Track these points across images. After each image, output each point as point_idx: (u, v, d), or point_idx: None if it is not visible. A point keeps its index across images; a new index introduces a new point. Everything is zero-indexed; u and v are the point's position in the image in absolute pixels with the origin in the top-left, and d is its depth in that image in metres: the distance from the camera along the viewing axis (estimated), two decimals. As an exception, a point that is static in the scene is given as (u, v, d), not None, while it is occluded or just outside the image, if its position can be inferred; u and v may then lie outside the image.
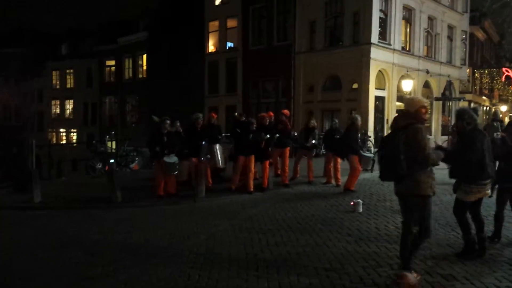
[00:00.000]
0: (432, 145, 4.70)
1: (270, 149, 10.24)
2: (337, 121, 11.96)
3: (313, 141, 11.19)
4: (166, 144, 9.08)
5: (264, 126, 10.21)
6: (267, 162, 10.07)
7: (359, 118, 10.24)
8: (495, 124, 10.83)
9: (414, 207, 4.29)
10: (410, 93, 20.96)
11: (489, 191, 5.08)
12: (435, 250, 5.39)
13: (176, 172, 9.24)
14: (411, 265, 4.34)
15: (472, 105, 28.99)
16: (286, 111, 11.86)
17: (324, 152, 13.17)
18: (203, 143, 9.59)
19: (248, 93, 26.79)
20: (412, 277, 4.22)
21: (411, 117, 4.31)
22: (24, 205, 9.30)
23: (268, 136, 9.76)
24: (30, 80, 44.37)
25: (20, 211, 8.96)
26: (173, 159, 9.06)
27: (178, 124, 10.40)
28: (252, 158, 9.64)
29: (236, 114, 13.44)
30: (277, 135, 10.46)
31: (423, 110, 4.36)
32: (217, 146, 10.50)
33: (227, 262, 5.15)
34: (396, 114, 4.82)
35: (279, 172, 11.30)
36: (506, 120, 42.32)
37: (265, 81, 26.23)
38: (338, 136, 10.69)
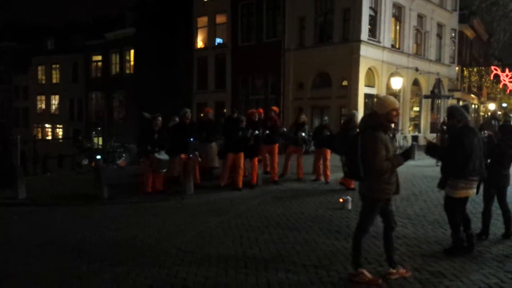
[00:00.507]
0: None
1: (259, 145, 10.17)
2: (327, 118, 11.94)
3: (303, 134, 11.14)
4: (156, 141, 8.97)
5: (253, 123, 10.15)
6: (256, 159, 10.04)
7: (357, 115, 10.17)
8: (493, 122, 10.95)
9: (364, 206, 4.39)
10: (399, 91, 21.10)
11: (474, 190, 5.09)
12: (424, 247, 5.40)
13: (164, 170, 9.13)
14: (359, 260, 4.35)
15: (461, 103, 29.27)
16: (275, 108, 11.82)
17: (314, 149, 13.15)
18: (191, 139, 9.49)
19: (238, 89, 26.73)
20: (367, 273, 4.28)
21: (376, 120, 4.15)
22: (8, 201, 9.09)
23: (257, 132, 9.70)
24: (15, 76, 43.74)
25: (4, 208, 8.75)
26: (164, 156, 8.95)
27: (177, 119, 10.22)
28: (241, 155, 9.58)
29: (225, 110, 13.37)
30: (267, 131, 10.41)
31: (394, 113, 4.15)
32: (213, 144, 10.41)
33: (216, 259, 5.09)
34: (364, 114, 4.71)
35: (268, 169, 11.26)
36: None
37: (255, 78, 26.19)
38: (328, 133, 10.66)
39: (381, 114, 4.13)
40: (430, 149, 5.18)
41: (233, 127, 9.72)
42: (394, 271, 4.38)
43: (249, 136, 9.49)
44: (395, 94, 20.88)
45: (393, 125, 5.99)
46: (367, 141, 4.08)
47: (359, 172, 4.13)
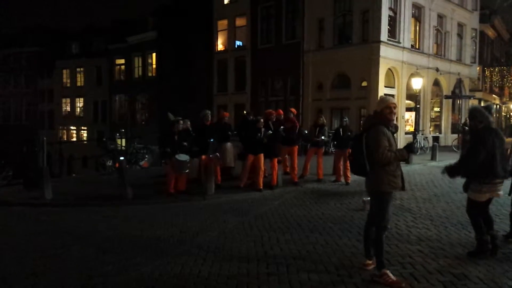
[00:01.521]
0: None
1: (277, 146, 10.19)
2: (347, 119, 11.90)
3: (323, 137, 11.16)
4: (177, 143, 9.12)
5: (271, 123, 10.21)
6: (276, 160, 10.06)
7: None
8: None
9: (372, 203, 4.63)
10: (419, 91, 20.81)
11: (501, 192, 5.02)
12: (447, 249, 5.35)
13: (186, 171, 9.27)
14: (382, 259, 4.38)
15: (482, 103, 28.70)
16: (293, 110, 11.83)
17: (334, 150, 13.12)
18: (211, 140, 9.61)
19: (257, 91, 26.81)
20: (391, 275, 4.29)
21: (377, 117, 4.46)
22: (35, 202, 9.37)
23: (270, 132, 9.72)
24: (41, 79, 44.85)
25: (31, 208, 9.03)
26: (184, 157, 9.08)
27: (189, 123, 10.44)
28: (261, 156, 9.64)
29: (244, 112, 13.45)
30: (282, 127, 10.42)
31: (387, 111, 4.42)
32: (228, 144, 10.51)
33: (237, 259, 5.16)
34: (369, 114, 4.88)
35: (288, 170, 11.29)
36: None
37: (274, 79, 26.24)
38: (349, 134, 10.64)
39: (379, 111, 4.46)
40: (451, 171, 5.10)
41: (252, 129, 9.79)
42: (370, 262, 4.60)
43: (263, 136, 9.53)
44: (416, 94, 20.62)
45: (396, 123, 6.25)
46: (371, 136, 4.35)
47: (364, 168, 4.36)
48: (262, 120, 9.85)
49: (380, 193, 4.41)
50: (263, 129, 9.62)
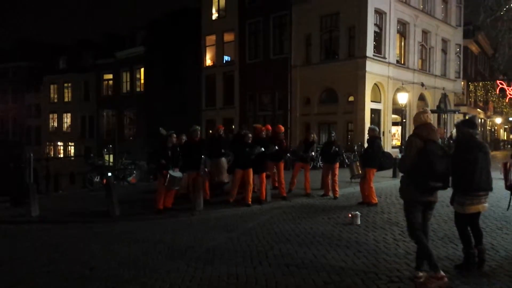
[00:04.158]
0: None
1: (265, 161, 10.22)
2: (334, 133, 12.01)
3: (312, 153, 11.25)
4: (170, 158, 9.10)
5: (261, 139, 10.25)
6: (264, 175, 10.08)
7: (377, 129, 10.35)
8: None
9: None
10: (405, 106, 21.14)
11: (486, 204, 5.08)
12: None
13: (177, 187, 9.24)
14: (433, 263, 4.47)
15: (467, 117, 29.21)
16: (281, 127, 11.77)
17: (322, 164, 13.20)
18: (203, 157, 9.62)
19: (245, 106, 26.96)
20: (431, 281, 4.38)
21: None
22: (21, 219, 9.25)
23: (262, 149, 9.78)
24: (28, 94, 44.49)
25: (17, 225, 8.91)
26: (177, 173, 9.05)
27: (184, 137, 10.43)
28: (250, 171, 9.67)
29: (233, 127, 13.48)
30: (276, 147, 10.46)
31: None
32: (222, 159, 10.51)
33: (226, 275, 5.14)
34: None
35: (276, 185, 11.33)
36: (501, 132, 42.38)
37: (262, 94, 26.43)
38: (337, 149, 10.74)
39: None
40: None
41: (240, 144, 9.83)
42: (421, 274, 4.57)
43: (255, 152, 9.57)
44: (401, 109, 20.92)
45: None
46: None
47: None
48: (250, 134, 9.89)
49: (404, 202, 4.86)
50: (258, 147, 9.65)
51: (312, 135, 11.60)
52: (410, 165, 4.58)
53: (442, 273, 4.42)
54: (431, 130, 4.73)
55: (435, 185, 4.52)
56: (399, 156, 18.60)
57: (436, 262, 4.47)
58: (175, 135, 9.45)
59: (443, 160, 4.52)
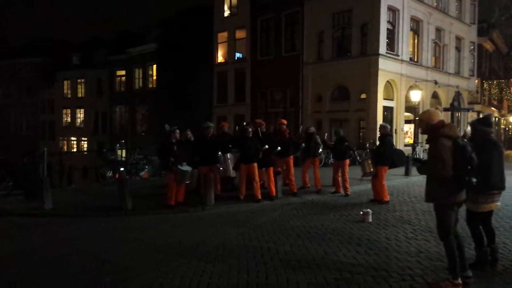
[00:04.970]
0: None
1: (270, 156, 10.20)
2: (342, 130, 11.96)
3: (318, 140, 11.41)
4: (175, 153, 9.16)
5: (265, 134, 10.28)
6: (271, 169, 10.02)
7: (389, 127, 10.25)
8: None
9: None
10: (418, 104, 20.95)
11: (499, 203, 5.04)
12: (446, 261, 5.34)
13: (187, 182, 9.28)
14: (455, 269, 4.39)
15: (481, 115, 28.86)
16: (283, 120, 11.85)
17: (332, 161, 13.16)
18: (219, 153, 9.66)
19: (257, 103, 26.97)
20: (447, 285, 4.35)
21: None
22: (35, 212, 9.39)
23: (266, 146, 9.78)
24: (41, 90, 45.04)
25: (31, 219, 9.04)
26: (187, 167, 9.10)
27: (189, 133, 10.50)
28: (254, 165, 9.62)
29: (243, 123, 13.51)
30: (279, 148, 10.49)
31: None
32: (229, 155, 10.55)
33: (236, 270, 5.16)
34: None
35: (287, 182, 11.32)
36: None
37: (273, 91, 26.40)
38: (346, 144, 10.70)
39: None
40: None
41: (241, 138, 9.84)
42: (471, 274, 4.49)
43: (260, 149, 9.57)
44: (414, 107, 20.74)
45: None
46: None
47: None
48: (250, 129, 9.87)
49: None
50: (259, 144, 9.67)
51: (311, 128, 11.82)
52: (450, 167, 4.37)
53: (460, 281, 4.36)
54: (455, 127, 4.62)
55: (476, 181, 4.41)
56: (416, 155, 18.46)
57: (458, 270, 4.40)
58: (178, 131, 9.49)
59: (475, 156, 4.43)
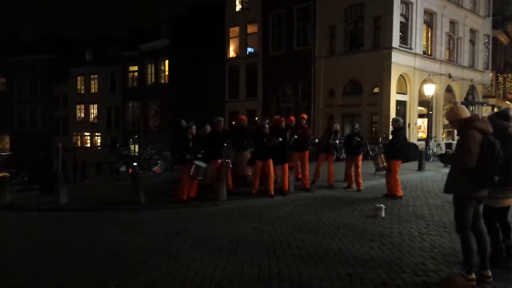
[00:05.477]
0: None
1: (287, 152, 10.19)
2: (357, 125, 11.87)
3: (336, 142, 11.12)
4: (191, 149, 9.21)
5: (280, 129, 10.22)
6: (287, 166, 10.04)
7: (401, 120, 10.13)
8: None
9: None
10: (432, 98, 20.69)
11: None
12: (460, 256, 5.30)
13: (200, 177, 9.33)
14: (469, 264, 4.39)
15: (495, 109, 28.41)
16: (304, 115, 11.80)
17: (345, 156, 13.09)
18: (225, 144, 9.67)
19: (268, 97, 26.92)
20: (460, 280, 4.32)
21: None
22: (50, 206, 9.54)
23: (280, 139, 9.71)
24: (56, 86, 45.56)
25: (46, 213, 9.19)
26: (202, 163, 9.14)
27: (209, 127, 10.53)
28: (270, 162, 9.63)
29: (256, 118, 13.51)
30: (295, 137, 10.42)
31: None
32: (246, 153, 10.56)
33: (249, 265, 5.18)
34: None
35: (299, 176, 11.30)
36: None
37: (285, 86, 26.32)
38: (359, 139, 10.62)
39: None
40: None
41: (258, 135, 9.83)
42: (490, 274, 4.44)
43: (274, 142, 9.50)
44: (428, 101, 20.50)
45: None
46: None
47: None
48: (266, 125, 9.85)
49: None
50: (275, 138, 9.61)
51: (335, 125, 11.47)
52: (475, 159, 4.33)
53: (473, 276, 4.34)
54: (488, 122, 4.57)
55: (499, 179, 4.37)
56: (429, 149, 18.27)
57: (473, 265, 4.38)
58: (194, 127, 9.52)
59: (502, 153, 4.39)
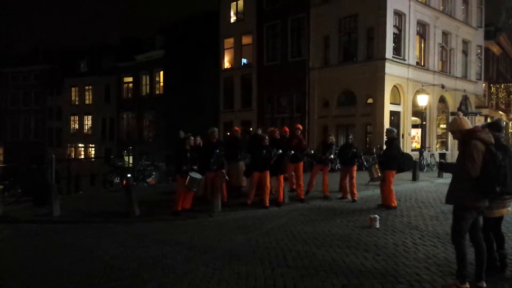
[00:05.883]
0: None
1: (283, 163, 10.23)
2: (351, 136, 11.93)
3: (331, 156, 11.17)
4: (189, 160, 9.21)
5: (275, 141, 10.26)
6: (282, 177, 10.08)
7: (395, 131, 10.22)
8: None
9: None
10: (425, 108, 20.85)
11: (510, 208, 5.01)
12: (454, 267, 5.31)
13: (195, 189, 9.31)
14: (463, 274, 4.46)
15: (488, 119, 28.69)
16: (299, 126, 11.86)
17: (339, 166, 13.14)
18: (217, 151, 9.68)
19: (263, 108, 27.01)
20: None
21: None
22: (44, 218, 9.45)
23: (280, 151, 9.78)
24: (50, 97, 45.42)
25: (40, 225, 9.10)
26: (197, 175, 9.13)
27: (199, 139, 10.57)
28: (267, 173, 9.69)
29: (251, 128, 13.54)
30: (292, 151, 10.48)
31: None
32: (240, 163, 10.58)
33: (244, 277, 5.16)
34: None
35: (294, 187, 11.31)
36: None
37: (280, 97, 26.44)
38: (354, 150, 10.68)
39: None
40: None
41: (257, 146, 9.85)
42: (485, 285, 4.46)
43: (273, 156, 9.59)
44: (421, 111, 20.65)
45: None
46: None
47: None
48: (267, 137, 9.92)
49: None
50: (274, 150, 9.66)
51: (331, 137, 11.53)
52: (478, 169, 4.41)
53: (468, 285, 4.37)
54: (490, 134, 4.64)
55: (501, 190, 4.42)
56: (423, 160, 18.34)
57: (466, 275, 4.42)
58: (192, 138, 9.56)
59: (505, 164, 4.44)
